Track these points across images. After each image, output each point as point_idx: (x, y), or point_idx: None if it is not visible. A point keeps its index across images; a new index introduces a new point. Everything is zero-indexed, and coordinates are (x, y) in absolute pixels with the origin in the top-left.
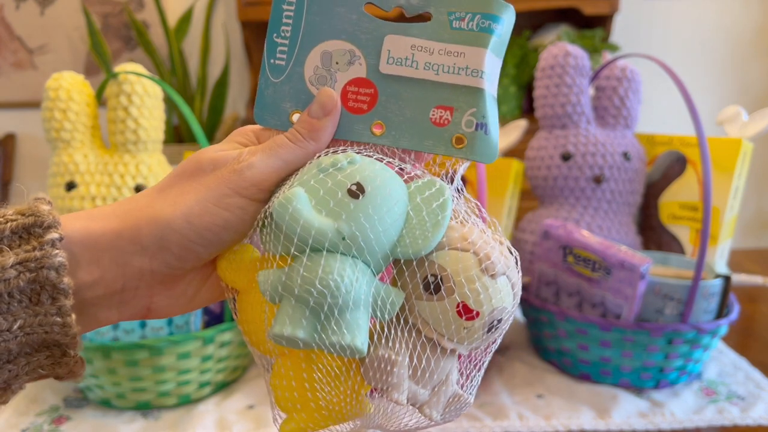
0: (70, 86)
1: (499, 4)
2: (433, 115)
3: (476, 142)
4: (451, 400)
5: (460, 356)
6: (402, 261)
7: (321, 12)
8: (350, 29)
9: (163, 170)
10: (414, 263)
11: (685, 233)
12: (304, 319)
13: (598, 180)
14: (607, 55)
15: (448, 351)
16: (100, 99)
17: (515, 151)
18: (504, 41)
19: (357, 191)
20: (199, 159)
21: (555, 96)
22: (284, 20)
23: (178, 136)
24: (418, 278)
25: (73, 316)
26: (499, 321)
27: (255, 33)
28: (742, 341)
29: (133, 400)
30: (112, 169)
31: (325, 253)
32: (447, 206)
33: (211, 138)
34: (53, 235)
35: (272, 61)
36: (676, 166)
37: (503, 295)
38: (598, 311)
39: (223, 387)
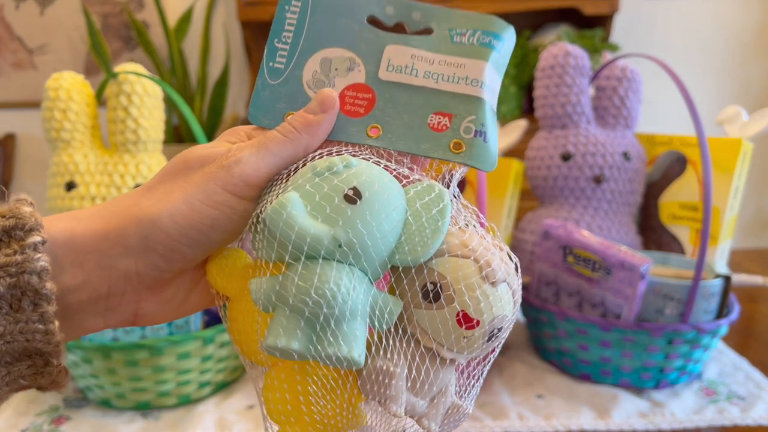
0: (70, 86)
1: (500, 24)
2: (432, 120)
3: (475, 148)
4: (449, 411)
5: (458, 366)
6: (400, 268)
7: (324, 21)
8: (351, 38)
9: None
10: (413, 271)
11: (685, 233)
12: (299, 329)
13: (598, 180)
14: (607, 55)
15: (448, 361)
16: (100, 99)
17: (515, 151)
18: (504, 59)
19: (354, 196)
20: (186, 157)
21: (555, 96)
22: (287, 27)
23: (178, 136)
24: (417, 286)
25: (56, 323)
26: (500, 329)
27: (255, 33)
28: (742, 341)
29: (133, 400)
30: (112, 169)
31: (320, 260)
32: (446, 212)
33: (211, 138)
34: (35, 238)
35: (271, 64)
36: (676, 166)
37: (504, 303)
38: (598, 311)
39: (223, 387)
